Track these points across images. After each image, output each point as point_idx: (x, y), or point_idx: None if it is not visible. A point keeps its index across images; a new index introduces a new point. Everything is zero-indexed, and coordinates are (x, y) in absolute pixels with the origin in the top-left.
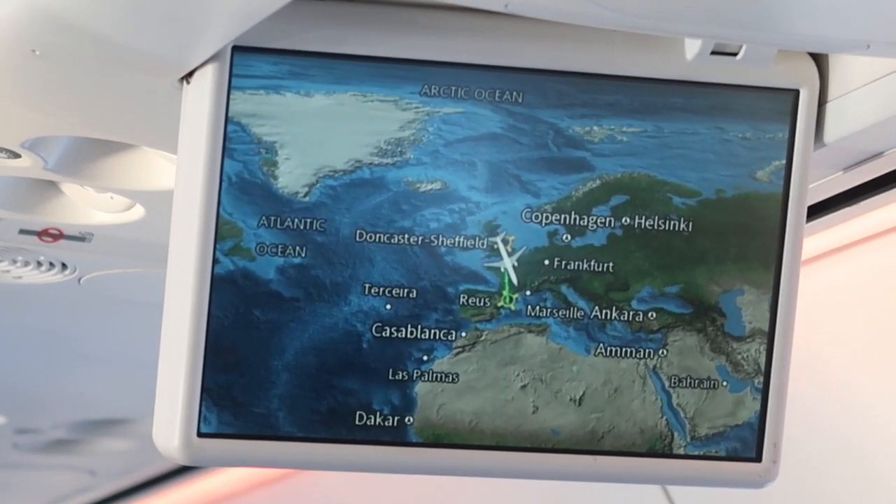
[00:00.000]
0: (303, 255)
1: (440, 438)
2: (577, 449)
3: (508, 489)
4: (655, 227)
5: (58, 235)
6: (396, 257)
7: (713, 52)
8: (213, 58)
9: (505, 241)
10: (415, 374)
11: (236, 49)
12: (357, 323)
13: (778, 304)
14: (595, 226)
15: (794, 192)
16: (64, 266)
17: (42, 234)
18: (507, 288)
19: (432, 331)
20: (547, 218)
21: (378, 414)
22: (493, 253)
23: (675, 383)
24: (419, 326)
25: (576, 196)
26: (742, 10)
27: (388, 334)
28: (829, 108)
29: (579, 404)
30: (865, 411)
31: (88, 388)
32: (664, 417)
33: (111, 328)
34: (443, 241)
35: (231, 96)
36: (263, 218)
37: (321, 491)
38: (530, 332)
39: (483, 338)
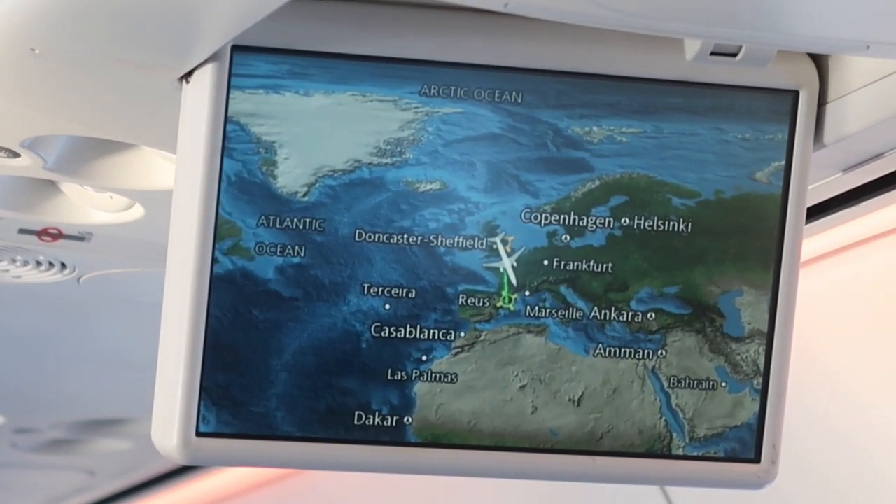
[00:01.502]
0: (302, 254)
1: (439, 438)
2: (576, 449)
3: (508, 489)
4: (654, 227)
5: (57, 235)
6: (395, 257)
7: (713, 53)
8: (213, 57)
9: (504, 242)
10: (413, 374)
11: (236, 48)
12: (356, 323)
13: (777, 305)
14: (594, 226)
15: (794, 193)
16: (63, 265)
17: (41, 233)
18: (506, 288)
19: (431, 331)
20: (546, 218)
21: (377, 414)
22: (493, 253)
23: (673, 384)
24: (418, 326)
25: (575, 196)
26: (742, 11)
27: (386, 334)
28: (829, 108)
29: (578, 405)
30: (865, 411)
31: (88, 388)
32: (663, 418)
33: (110, 328)
34: (442, 242)
35: (230, 96)
36: (262, 217)
37: (321, 491)
38: (529, 332)
39: (482, 338)
